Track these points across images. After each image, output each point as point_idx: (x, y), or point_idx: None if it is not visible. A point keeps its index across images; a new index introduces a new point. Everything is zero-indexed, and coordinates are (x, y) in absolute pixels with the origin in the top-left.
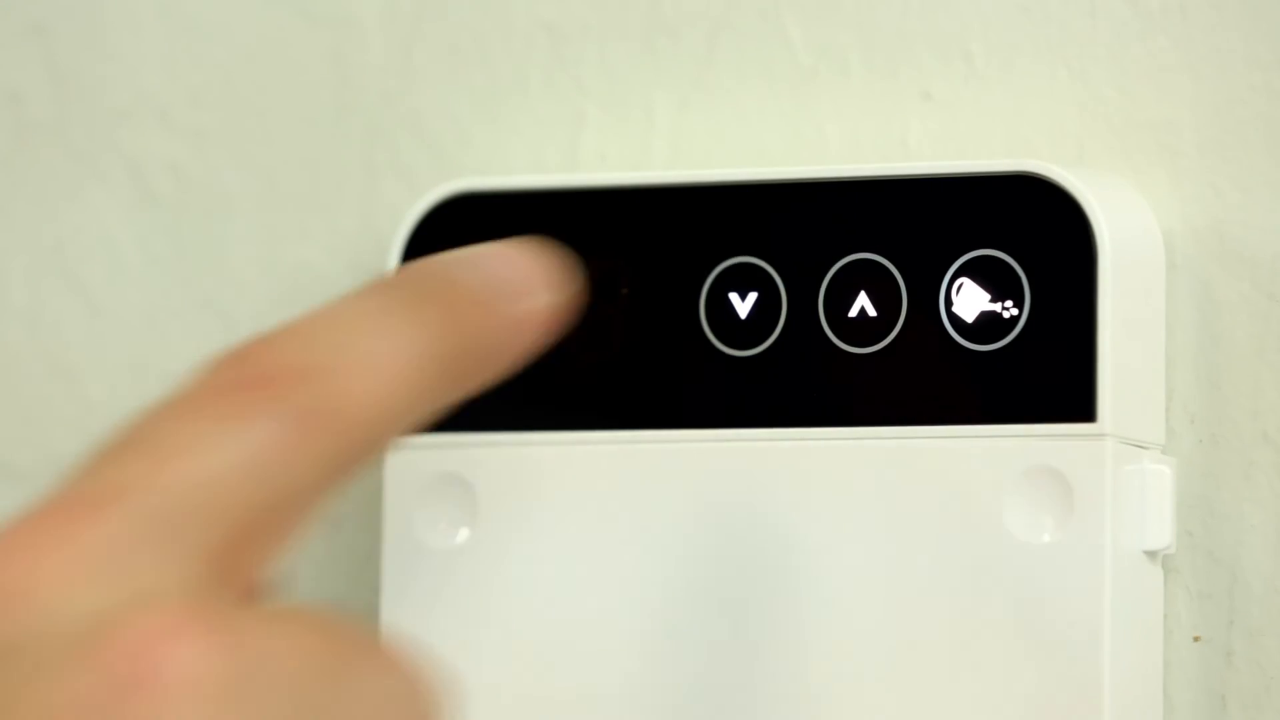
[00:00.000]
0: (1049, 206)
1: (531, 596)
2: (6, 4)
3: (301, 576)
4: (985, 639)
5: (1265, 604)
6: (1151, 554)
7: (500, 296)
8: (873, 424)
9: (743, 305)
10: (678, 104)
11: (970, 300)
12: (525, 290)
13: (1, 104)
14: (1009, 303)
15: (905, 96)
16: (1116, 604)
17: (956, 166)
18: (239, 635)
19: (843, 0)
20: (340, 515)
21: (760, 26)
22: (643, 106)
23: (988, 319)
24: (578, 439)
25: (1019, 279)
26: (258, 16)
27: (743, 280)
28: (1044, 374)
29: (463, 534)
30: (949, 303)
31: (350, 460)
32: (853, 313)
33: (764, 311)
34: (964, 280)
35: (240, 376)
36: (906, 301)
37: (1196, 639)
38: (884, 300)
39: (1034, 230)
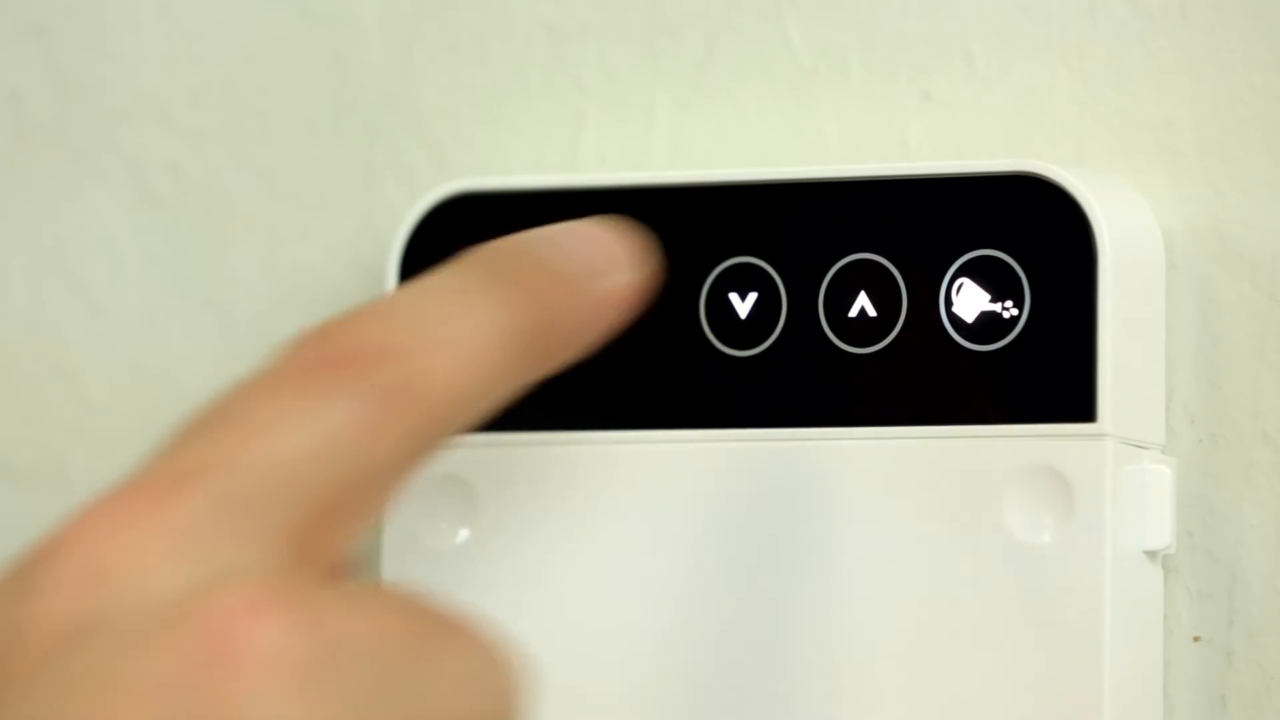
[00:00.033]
0: (1049, 206)
1: (531, 597)
2: (6, 4)
3: None
4: (985, 639)
5: (1265, 604)
6: (1151, 554)
7: (582, 274)
8: (873, 424)
9: (743, 305)
10: (677, 104)
11: (970, 300)
12: (607, 268)
13: (1, 104)
14: (1009, 303)
15: (905, 96)
16: (1116, 604)
17: (956, 166)
18: (319, 614)
19: (843, 0)
20: None
21: (760, 26)
22: (643, 107)
23: (988, 319)
24: (578, 439)
25: (1019, 279)
26: (258, 16)
27: (743, 280)
28: (1044, 374)
29: (463, 534)
30: (949, 303)
31: (431, 439)
32: (853, 313)
33: (764, 311)
34: (964, 280)
35: (322, 355)
36: (906, 301)
37: (1196, 639)
38: (884, 300)
39: (1034, 230)
